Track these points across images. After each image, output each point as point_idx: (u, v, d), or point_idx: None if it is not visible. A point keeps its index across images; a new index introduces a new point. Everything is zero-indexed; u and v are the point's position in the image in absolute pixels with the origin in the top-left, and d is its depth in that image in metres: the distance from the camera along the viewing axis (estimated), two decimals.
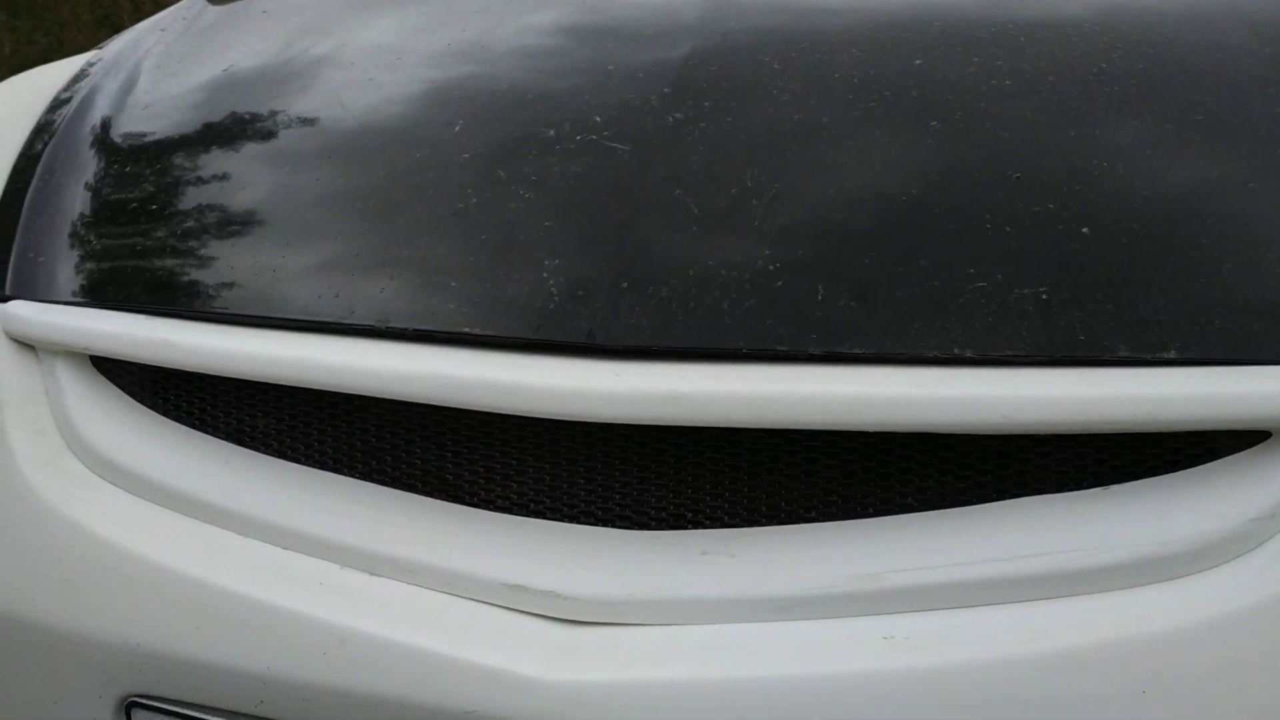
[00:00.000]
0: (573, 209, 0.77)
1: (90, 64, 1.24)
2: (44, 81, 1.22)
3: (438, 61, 0.97)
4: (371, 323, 0.72)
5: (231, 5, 1.30)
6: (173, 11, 1.36)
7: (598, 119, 0.84)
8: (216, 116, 0.99)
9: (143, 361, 0.78)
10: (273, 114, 0.95)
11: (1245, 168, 0.77)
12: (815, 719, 0.61)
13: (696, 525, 0.69)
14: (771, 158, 0.79)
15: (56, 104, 1.12)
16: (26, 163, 1.01)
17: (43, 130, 1.07)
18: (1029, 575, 0.63)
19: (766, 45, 0.90)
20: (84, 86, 1.14)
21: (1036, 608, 0.63)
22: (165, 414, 0.80)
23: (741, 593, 0.65)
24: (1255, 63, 0.87)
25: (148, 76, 1.11)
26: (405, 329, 0.72)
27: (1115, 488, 0.66)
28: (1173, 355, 0.65)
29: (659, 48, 0.91)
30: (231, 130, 0.96)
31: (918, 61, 0.87)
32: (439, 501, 0.72)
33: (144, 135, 1.00)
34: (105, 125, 1.03)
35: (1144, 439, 0.66)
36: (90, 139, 1.01)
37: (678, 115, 0.83)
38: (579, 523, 0.70)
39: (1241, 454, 0.66)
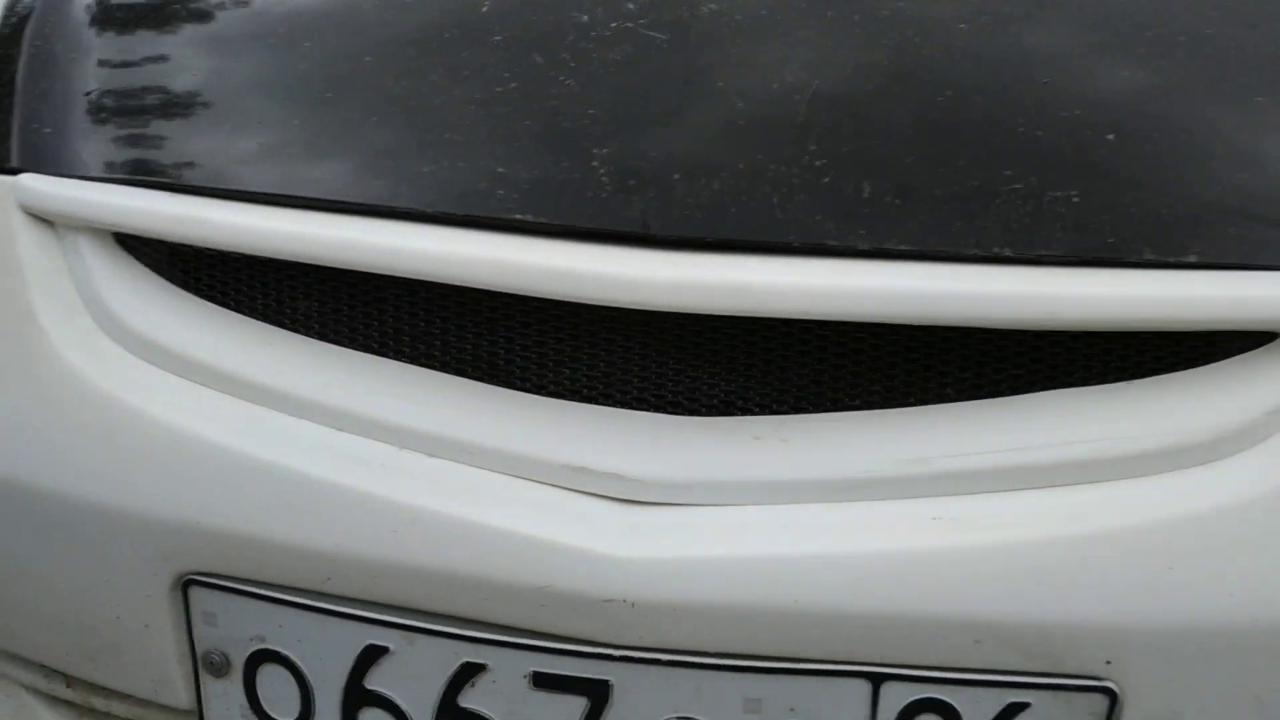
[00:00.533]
0: (616, 98, 0.77)
1: None
2: None
3: None
4: (420, 206, 0.72)
5: None
6: None
7: (631, 5, 0.84)
8: None
9: (177, 239, 0.76)
10: None
11: (1256, 82, 0.81)
12: (866, 593, 0.66)
13: (746, 412, 0.72)
14: (810, 53, 0.80)
15: None
16: (13, 23, 0.96)
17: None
18: (1064, 462, 0.68)
19: None
20: None
21: (1072, 492, 0.68)
22: (199, 294, 0.79)
23: (795, 476, 0.69)
24: None
25: None
26: (454, 214, 0.72)
27: (1141, 381, 0.71)
28: (1193, 259, 0.69)
29: None
30: None
31: None
32: (493, 387, 0.73)
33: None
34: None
35: (1166, 336, 0.71)
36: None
37: (713, 6, 0.83)
38: (634, 409, 0.72)
39: (1253, 352, 0.71)
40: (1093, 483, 0.68)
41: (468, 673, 0.69)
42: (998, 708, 0.66)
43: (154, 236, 0.77)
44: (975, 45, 0.81)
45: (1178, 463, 0.69)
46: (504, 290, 0.69)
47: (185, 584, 0.73)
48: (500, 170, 0.74)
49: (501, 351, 0.74)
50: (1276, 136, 0.77)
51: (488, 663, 0.68)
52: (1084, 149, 0.75)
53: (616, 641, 0.67)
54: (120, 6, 0.94)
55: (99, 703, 0.83)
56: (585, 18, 0.83)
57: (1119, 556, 0.65)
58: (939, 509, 0.67)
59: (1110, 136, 0.76)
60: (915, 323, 0.68)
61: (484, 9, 0.85)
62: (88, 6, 0.94)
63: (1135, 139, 0.76)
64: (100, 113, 0.85)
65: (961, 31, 0.82)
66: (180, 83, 0.86)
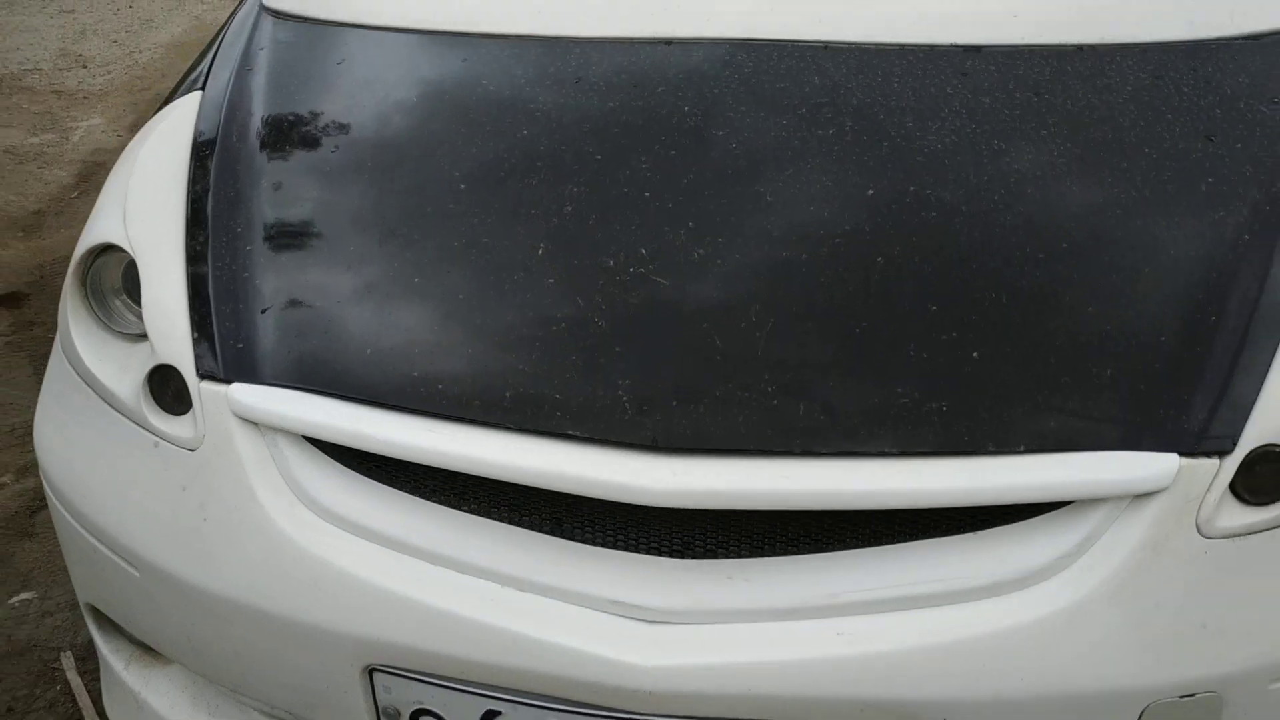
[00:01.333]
0: (633, 340, 1.14)
1: (207, 114, 1.53)
2: (177, 128, 1.51)
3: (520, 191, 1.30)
4: (506, 422, 1.11)
5: (297, 46, 1.58)
6: (245, 46, 1.63)
7: (643, 251, 1.20)
8: (367, 212, 1.32)
9: (345, 444, 1.16)
10: (421, 223, 1.29)
11: (1080, 310, 1.15)
12: (797, 683, 1.05)
13: (725, 557, 1.10)
14: (766, 298, 1.15)
15: (198, 167, 1.43)
16: (193, 250, 1.34)
17: (198, 203, 1.39)
18: (927, 594, 1.06)
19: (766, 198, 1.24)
20: (216, 150, 1.45)
21: (933, 612, 1.06)
22: (363, 473, 1.18)
23: (751, 605, 1.07)
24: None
25: (266, 131, 1.42)
26: (530, 428, 1.10)
27: (984, 532, 1.08)
28: (990, 449, 1.06)
29: (686, 191, 1.25)
30: (379, 227, 1.30)
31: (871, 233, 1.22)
32: (564, 540, 1.12)
33: (299, 222, 1.33)
34: (258, 201, 1.35)
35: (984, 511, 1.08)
36: (245, 216, 1.34)
37: (701, 251, 1.19)
38: (651, 554, 1.11)
39: (1055, 512, 1.07)
40: (948, 605, 1.06)
41: None
42: None
43: (325, 439, 1.16)
44: (883, 299, 1.16)
45: (1005, 590, 1.06)
46: (562, 490, 1.08)
47: (370, 670, 1.14)
48: (558, 397, 1.11)
49: (565, 520, 1.13)
50: (1080, 355, 1.11)
51: None
52: (954, 368, 1.10)
53: (641, 711, 1.07)
54: (283, 234, 1.32)
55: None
56: (611, 262, 1.20)
57: (967, 659, 1.04)
58: (844, 626, 1.06)
59: (975, 354, 1.11)
60: (830, 507, 1.06)
61: (540, 252, 1.22)
62: (248, 233, 1.32)
63: (991, 359, 1.11)
64: (281, 329, 1.23)
65: (872, 286, 1.17)
66: (337, 308, 1.24)
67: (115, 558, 1.27)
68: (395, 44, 1.57)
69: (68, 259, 3.52)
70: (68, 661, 1.94)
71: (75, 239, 3.79)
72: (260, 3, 1.74)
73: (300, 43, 1.62)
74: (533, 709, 1.09)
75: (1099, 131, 1.31)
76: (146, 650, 1.42)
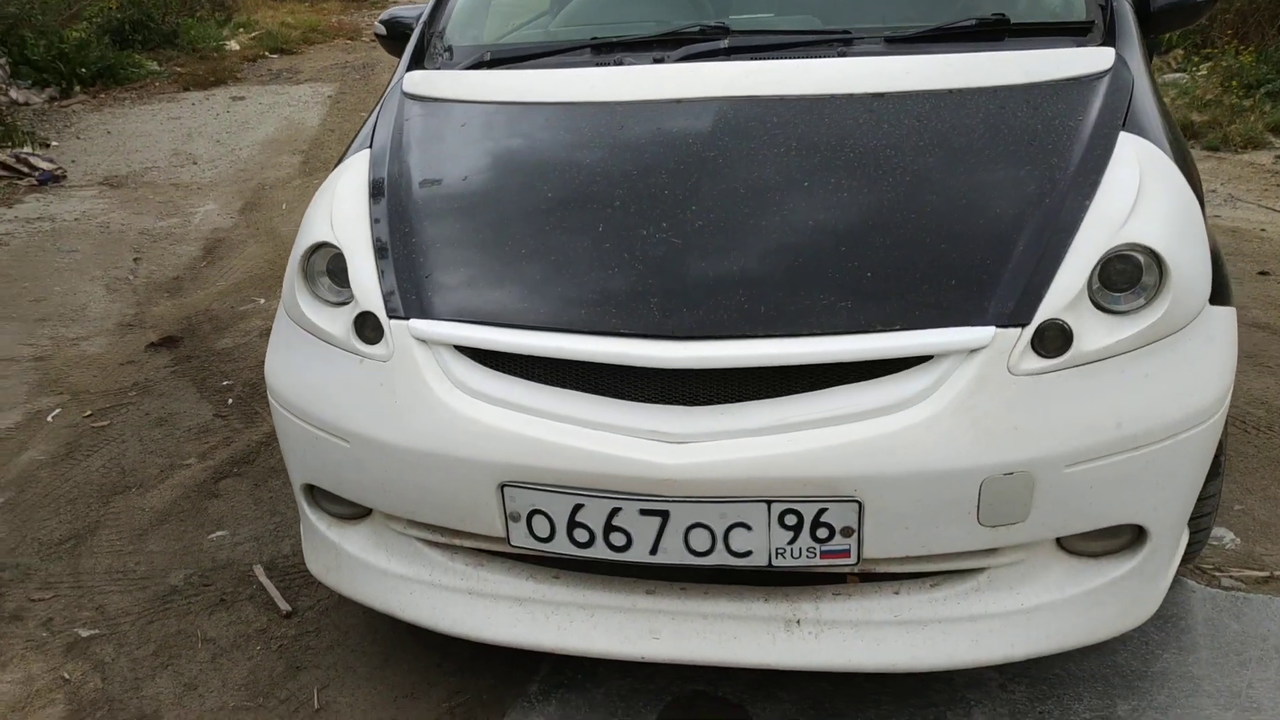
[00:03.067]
0: (659, 276, 1.85)
1: (375, 162, 2.29)
2: (356, 171, 2.27)
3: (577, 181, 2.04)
4: (581, 328, 1.81)
5: (431, 116, 2.35)
6: (392, 119, 2.41)
7: (665, 223, 1.92)
8: (489, 213, 2.06)
9: (478, 347, 1.87)
10: (523, 217, 2.02)
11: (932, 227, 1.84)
12: (763, 468, 1.72)
13: (709, 403, 1.78)
14: (742, 245, 1.86)
15: (375, 193, 2.18)
16: (377, 245, 2.07)
17: (377, 215, 2.13)
18: (845, 414, 1.72)
19: (737, 176, 1.96)
20: (385, 183, 2.20)
21: (848, 426, 1.72)
22: (491, 366, 1.89)
23: (733, 428, 1.74)
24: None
25: (428, 180, 2.17)
26: (598, 331, 1.80)
27: (878, 379, 1.76)
28: (880, 328, 1.74)
29: (690, 187, 1.97)
30: (498, 222, 2.03)
31: (805, 185, 1.93)
32: (619, 400, 1.81)
33: (447, 223, 2.07)
34: (418, 212, 2.10)
35: (878, 363, 1.75)
36: (410, 221, 2.08)
37: (699, 223, 1.91)
38: (672, 405, 1.79)
39: (923, 365, 1.75)
40: (858, 421, 1.73)
41: (614, 511, 1.78)
42: (815, 510, 1.72)
43: (468, 346, 1.88)
44: (808, 235, 1.86)
45: (890, 411, 1.73)
46: (615, 363, 1.78)
47: (502, 486, 1.83)
48: (612, 311, 1.82)
49: (622, 386, 1.82)
50: (940, 272, 1.80)
51: (622, 507, 1.77)
52: (857, 281, 1.80)
53: (671, 495, 1.74)
54: (431, 231, 2.06)
55: (459, 541, 1.96)
56: (644, 232, 1.91)
57: (861, 449, 1.70)
58: (794, 436, 1.73)
59: (869, 274, 1.81)
60: (770, 365, 1.74)
61: (604, 243, 1.94)
62: (409, 222, 2.06)
63: (882, 274, 1.80)
64: (436, 286, 1.96)
65: (801, 232, 1.87)
66: (469, 272, 1.97)
67: (332, 438, 1.98)
68: (497, 111, 2.33)
69: (208, 311, 4.33)
70: (259, 570, 2.65)
71: (211, 298, 4.70)
72: (402, 90, 2.52)
73: (433, 114, 2.39)
74: (602, 499, 1.77)
75: (957, 136, 2.02)
76: (341, 517, 2.12)
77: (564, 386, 1.84)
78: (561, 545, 1.83)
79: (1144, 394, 1.78)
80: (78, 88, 9.12)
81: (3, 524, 2.93)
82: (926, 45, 2.33)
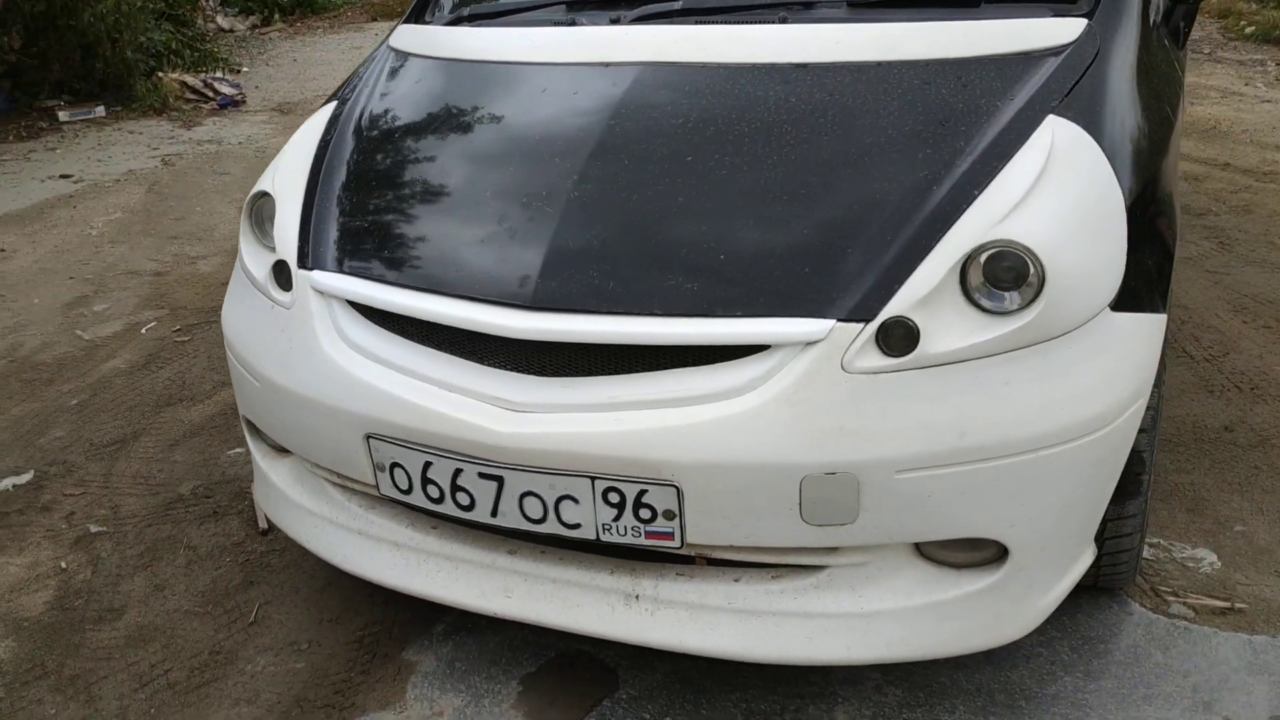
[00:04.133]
0: (525, 246, 1.86)
1: (335, 114, 2.40)
2: (317, 124, 2.39)
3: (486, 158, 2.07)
4: (451, 292, 1.86)
5: (398, 70, 2.41)
6: (370, 71, 2.49)
7: (543, 193, 1.92)
8: (402, 172, 2.12)
9: (364, 304, 1.95)
10: (429, 177, 2.08)
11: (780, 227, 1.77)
12: (588, 446, 1.73)
13: (555, 375, 1.80)
14: (608, 216, 1.85)
15: (321, 146, 2.28)
16: (306, 197, 2.18)
17: (315, 168, 2.24)
18: (675, 398, 1.70)
19: (631, 157, 1.94)
20: (333, 137, 2.30)
21: (677, 410, 1.70)
22: (376, 323, 1.97)
23: (568, 402, 1.76)
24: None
25: (365, 137, 2.26)
26: (463, 296, 1.85)
27: (712, 365, 1.72)
28: (720, 313, 1.70)
29: (577, 152, 1.97)
30: (406, 182, 2.10)
31: (688, 162, 1.89)
32: (474, 363, 1.85)
33: (364, 180, 2.15)
34: (345, 167, 2.19)
35: (721, 349, 1.71)
36: (336, 183, 2.18)
37: (576, 193, 1.90)
38: (519, 372, 1.82)
39: (758, 354, 1.70)
40: (687, 406, 1.71)
41: (458, 472, 1.83)
42: (636, 491, 1.72)
43: (356, 302, 1.96)
44: (675, 209, 1.83)
45: (716, 399, 1.70)
46: (474, 330, 1.82)
47: (368, 437, 1.92)
48: (478, 277, 1.86)
49: (478, 350, 1.86)
50: (789, 263, 1.73)
51: (464, 469, 1.83)
52: (709, 266, 1.76)
53: (504, 463, 1.78)
54: (352, 184, 2.14)
55: (352, 485, 2.07)
56: (524, 200, 1.93)
57: (678, 435, 1.68)
58: (621, 415, 1.73)
59: (721, 256, 1.76)
60: (614, 342, 1.74)
61: (487, 212, 1.97)
62: (337, 179, 2.15)
63: (732, 260, 1.76)
64: (340, 239, 2.05)
65: (669, 203, 1.84)
66: (371, 231, 2.05)
67: (250, 378, 2.12)
68: (446, 68, 2.38)
69: None
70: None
71: None
72: (389, 43, 2.60)
73: (401, 68, 2.46)
74: (446, 459, 1.83)
75: (865, 113, 1.92)
76: (274, 448, 2.28)
77: (433, 347, 1.90)
78: (418, 499, 1.91)
79: (1001, 403, 1.67)
80: (277, 16, 9.74)
81: (67, 424, 3.28)
82: (887, 12, 2.19)
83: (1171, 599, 2.22)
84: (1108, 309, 1.75)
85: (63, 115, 7.06)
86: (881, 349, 1.67)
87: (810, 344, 1.67)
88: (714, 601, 1.82)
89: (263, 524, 2.69)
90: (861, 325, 1.67)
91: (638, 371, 1.76)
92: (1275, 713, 1.92)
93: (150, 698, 2.18)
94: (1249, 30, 8.28)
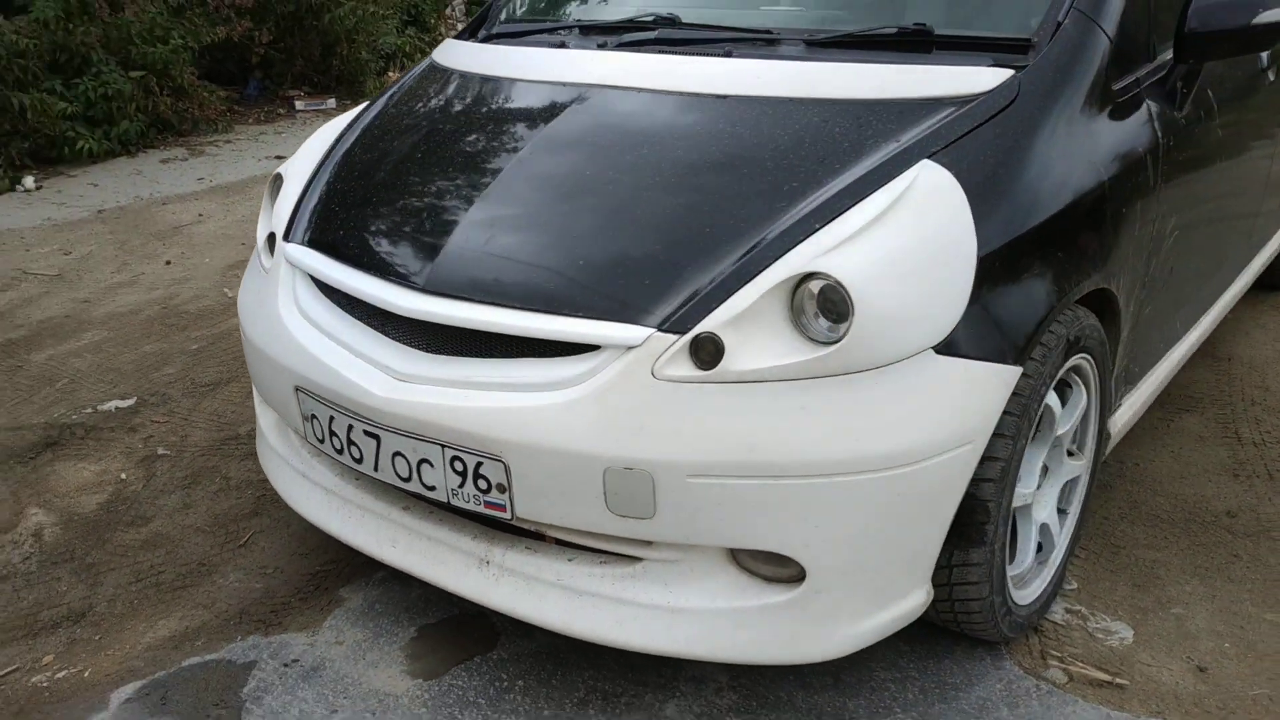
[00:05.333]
0: (440, 234, 2.11)
1: (360, 113, 2.74)
2: (344, 119, 2.73)
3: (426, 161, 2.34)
4: (376, 273, 2.13)
5: (425, 78, 2.72)
6: (405, 77, 2.82)
7: (461, 179, 2.16)
8: (374, 164, 2.43)
9: (311, 274, 2.26)
10: (391, 169, 2.37)
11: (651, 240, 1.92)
12: (438, 419, 1.95)
13: (438, 353, 2.02)
14: (514, 209, 2.07)
15: (337, 139, 2.62)
16: (306, 182, 2.52)
17: (325, 157, 2.58)
18: (510, 383, 1.90)
19: (553, 170, 2.15)
20: (345, 131, 2.64)
21: (510, 394, 1.89)
22: (321, 291, 2.27)
23: (433, 376, 1.98)
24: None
25: (365, 132, 2.58)
26: (371, 270, 2.12)
27: (548, 358, 1.90)
28: (565, 312, 1.87)
29: (505, 158, 2.19)
30: (373, 172, 2.40)
31: (597, 170, 2.07)
32: (379, 334, 2.12)
33: (348, 168, 2.47)
34: (341, 157, 2.52)
35: (562, 343, 1.89)
36: (330, 169, 2.50)
37: (487, 180, 2.13)
38: (408, 346, 2.06)
39: (585, 353, 1.86)
40: (510, 392, 1.90)
41: (350, 427, 2.09)
42: (475, 462, 1.92)
43: (307, 272, 2.27)
44: (566, 213, 2.02)
45: (546, 388, 1.87)
46: (382, 307, 2.08)
47: (296, 389, 2.22)
48: (397, 261, 2.12)
49: (388, 325, 2.12)
50: (630, 275, 1.89)
51: (354, 425, 2.09)
52: (572, 272, 1.94)
53: (380, 424, 2.03)
54: (336, 176, 2.46)
55: (294, 425, 2.38)
56: (452, 196, 2.18)
57: (507, 416, 1.87)
58: (468, 393, 1.93)
59: (581, 262, 1.94)
60: (491, 330, 1.95)
61: (428, 194, 2.24)
62: (329, 172, 2.48)
63: (591, 267, 1.93)
64: (316, 217, 2.37)
65: (567, 208, 2.03)
66: (338, 213, 2.35)
67: (244, 335, 2.48)
68: (451, 78, 2.67)
69: None
70: None
71: None
72: (432, 56, 2.92)
73: (428, 76, 2.77)
74: (342, 415, 2.09)
75: (758, 145, 2.03)
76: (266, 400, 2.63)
77: (354, 317, 2.18)
78: (328, 449, 2.19)
79: (793, 425, 1.75)
80: None
81: (180, 364, 3.82)
82: (838, 51, 2.27)
83: (1054, 663, 2.17)
84: (931, 351, 1.79)
85: (299, 105, 7.94)
86: (693, 361, 1.79)
87: (629, 348, 1.82)
88: (548, 576, 1.99)
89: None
90: (676, 337, 1.80)
91: (495, 357, 1.96)
92: None
93: (139, 591, 2.57)
94: None
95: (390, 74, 8.37)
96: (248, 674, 2.25)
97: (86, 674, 2.28)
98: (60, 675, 2.29)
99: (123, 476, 3.08)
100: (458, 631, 2.35)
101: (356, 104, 7.99)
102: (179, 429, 3.35)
